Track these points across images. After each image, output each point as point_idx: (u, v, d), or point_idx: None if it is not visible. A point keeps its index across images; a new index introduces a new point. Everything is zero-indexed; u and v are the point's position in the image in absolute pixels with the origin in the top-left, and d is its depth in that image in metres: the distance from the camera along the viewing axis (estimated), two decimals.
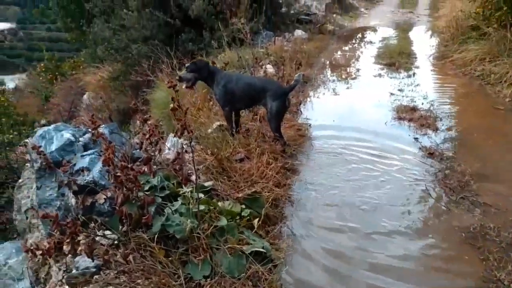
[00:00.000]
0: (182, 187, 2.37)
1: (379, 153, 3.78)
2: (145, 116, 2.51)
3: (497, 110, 4.89)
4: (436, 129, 4.24)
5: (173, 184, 2.43)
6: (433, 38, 9.58)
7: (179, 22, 8.09)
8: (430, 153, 3.68)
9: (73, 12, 14.66)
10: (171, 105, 2.06)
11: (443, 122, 4.43)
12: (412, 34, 10.55)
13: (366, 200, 3.05)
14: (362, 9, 15.35)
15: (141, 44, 8.34)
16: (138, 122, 2.54)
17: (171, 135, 3.43)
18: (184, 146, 2.40)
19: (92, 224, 2.14)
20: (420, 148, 3.81)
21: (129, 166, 2.02)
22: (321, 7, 12.25)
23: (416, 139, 4.04)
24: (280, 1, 9.81)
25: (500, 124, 4.52)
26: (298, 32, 9.20)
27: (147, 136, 2.29)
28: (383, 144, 3.96)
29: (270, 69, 5.98)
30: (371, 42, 9.43)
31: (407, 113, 4.70)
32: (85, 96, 11.55)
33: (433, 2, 16.92)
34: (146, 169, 2.14)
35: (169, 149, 3.19)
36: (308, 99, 5.32)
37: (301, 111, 4.80)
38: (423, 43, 9.23)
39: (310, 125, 4.35)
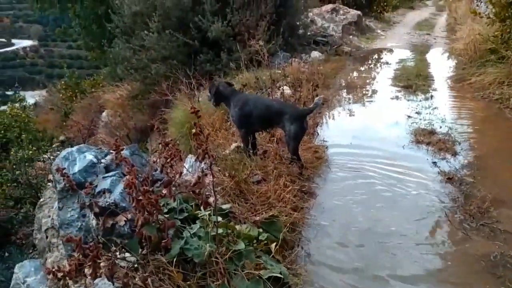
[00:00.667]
0: (200, 210, 2.39)
1: (397, 177, 3.76)
2: (167, 140, 2.52)
3: None
4: (455, 154, 4.20)
5: (192, 206, 2.45)
6: (450, 61, 9.55)
7: (198, 43, 8.24)
8: (449, 178, 3.64)
9: (94, 32, 15.11)
10: (193, 130, 2.09)
11: (462, 146, 4.39)
12: (429, 56, 10.53)
13: (383, 225, 3.03)
14: (379, 31, 15.41)
15: (160, 64, 8.51)
16: (159, 145, 2.56)
17: (190, 156, 3.47)
18: (204, 169, 2.42)
19: (113, 247, 2.15)
20: (439, 173, 3.78)
21: (151, 189, 2.04)
22: (337, 29, 12.35)
23: (434, 163, 4.00)
24: (298, 23, 9.92)
25: None
26: (315, 54, 9.28)
27: (168, 159, 2.33)
28: (401, 168, 3.94)
29: (287, 90, 6.03)
30: (387, 64, 9.45)
31: (425, 137, 4.67)
32: (104, 114, 11.78)
33: (450, 25, 16.94)
34: (166, 192, 2.17)
35: (187, 170, 3.22)
36: (325, 120, 5.34)
37: (318, 133, 4.82)
38: (441, 65, 9.21)
39: (327, 147, 4.35)
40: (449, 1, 34.36)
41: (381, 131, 4.97)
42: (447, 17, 21.48)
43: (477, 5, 15.70)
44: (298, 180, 3.40)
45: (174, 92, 7.25)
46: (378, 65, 9.56)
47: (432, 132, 4.80)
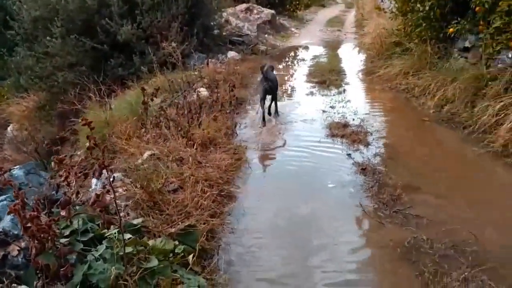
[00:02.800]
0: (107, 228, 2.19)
1: (315, 173, 3.81)
2: (61, 156, 2.28)
3: (423, 121, 5.13)
4: (367, 144, 4.36)
5: (98, 225, 2.24)
6: (360, 55, 10.02)
7: (107, 47, 7.82)
8: (363, 169, 3.76)
9: None
10: (87, 144, 1.89)
11: (374, 137, 4.57)
12: (341, 52, 10.98)
13: (301, 216, 3.04)
14: (293, 29, 15.80)
15: (67, 71, 7.95)
16: (52, 162, 2.31)
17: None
18: (105, 185, 2.23)
19: (6, 281, 1.89)
20: (353, 164, 3.88)
21: (41, 214, 1.82)
22: (253, 28, 12.44)
23: (349, 155, 4.11)
24: (212, 24, 9.81)
25: (425, 136, 4.75)
26: (231, 53, 9.24)
27: (63, 177, 2.10)
28: (319, 163, 4.00)
29: (203, 92, 5.91)
30: (302, 61, 9.69)
31: (339, 130, 4.80)
32: (9, 129, 10.78)
33: (358, 21, 17.84)
34: (64, 213, 1.95)
35: (95, 185, 2.98)
36: (243, 120, 5.29)
37: (236, 133, 4.74)
38: (352, 60, 9.63)
39: (246, 147, 4.30)
40: None
41: (298, 128, 5.03)
42: (356, 14, 22.66)
43: (382, 1, 16.73)
44: (217, 184, 3.29)
45: (84, 100, 6.80)
46: (294, 62, 9.76)
47: (346, 125, 4.96)
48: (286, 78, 7.97)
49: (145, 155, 3.54)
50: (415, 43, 7.38)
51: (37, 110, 9.20)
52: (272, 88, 5.28)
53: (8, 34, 9.24)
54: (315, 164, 3.98)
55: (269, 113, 5.42)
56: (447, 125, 4.93)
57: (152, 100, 4.70)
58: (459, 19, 6.02)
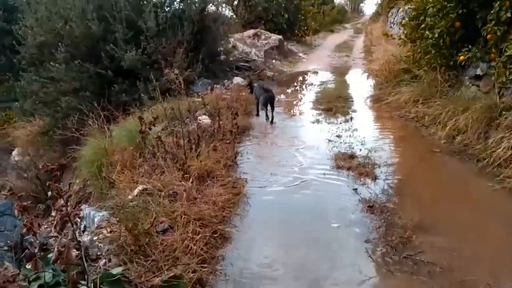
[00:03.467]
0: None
1: (319, 210, 3.56)
2: (24, 204, 2.08)
3: (434, 153, 4.88)
4: (375, 178, 4.11)
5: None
6: (368, 81, 9.84)
7: (111, 73, 7.74)
8: (370, 206, 3.50)
9: (2, 65, 13.92)
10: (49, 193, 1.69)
11: (382, 170, 4.32)
12: (348, 77, 10.84)
13: (301, 263, 2.78)
14: (301, 54, 15.77)
15: (71, 97, 7.88)
16: (16, 211, 2.11)
17: (85, 207, 3.01)
18: (68, 240, 2.01)
19: None
20: (360, 200, 3.63)
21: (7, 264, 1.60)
22: (260, 53, 12.40)
23: (355, 190, 3.86)
24: (219, 50, 9.76)
25: (437, 168, 4.50)
26: (237, 79, 9.13)
27: (28, 226, 1.89)
28: (322, 198, 3.77)
29: (205, 119, 5.74)
30: (309, 87, 9.55)
31: (345, 161, 4.57)
32: (14, 153, 10.72)
33: (367, 47, 17.79)
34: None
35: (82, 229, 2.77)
36: (246, 150, 5.07)
37: (237, 164, 4.53)
38: (360, 86, 9.45)
39: (246, 180, 4.07)
40: (365, 24, 36.59)
41: (302, 158, 4.79)
42: (364, 39, 22.66)
43: (390, 27, 16.69)
44: (211, 223, 3.05)
45: (86, 126, 6.68)
46: (300, 88, 9.62)
47: (352, 156, 4.72)
48: (292, 104, 7.79)
49: (136, 190, 3.33)
50: (424, 70, 7.20)
51: (41, 135, 9.13)
52: (272, 98, 6.44)
53: (14, 58, 9.27)
54: (318, 200, 3.74)
55: (271, 122, 6.33)
56: (460, 157, 4.67)
57: (150, 129, 4.52)
58: (470, 46, 5.82)
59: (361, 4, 58.19)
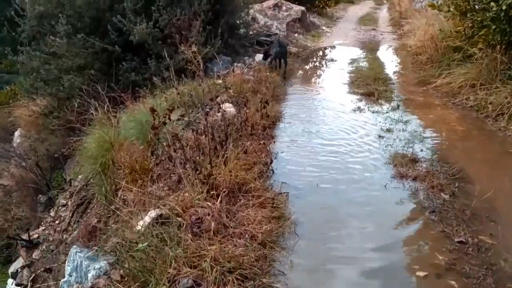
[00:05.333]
0: None
1: (391, 246, 2.64)
2: None
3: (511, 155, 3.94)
4: (452, 194, 3.19)
5: None
6: (406, 59, 8.76)
7: (119, 49, 6.80)
8: (461, 242, 2.60)
9: (5, 38, 13.02)
10: None
11: (457, 181, 3.38)
12: (381, 55, 9.75)
13: None
14: (324, 28, 14.57)
15: (74, 75, 6.99)
16: None
17: (74, 248, 2.16)
18: None
19: None
20: (443, 232, 2.72)
21: None
22: (281, 27, 11.29)
23: (433, 212, 2.95)
24: (238, 22, 8.71)
25: None
26: (259, 57, 8.11)
27: None
28: (392, 227, 2.85)
29: (229, 108, 4.82)
30: (340, 65, 8.50)
31: (407, 167, 3.64)
32: (16, 133, 9.95)
33: (394, 19, 16.49)
34: None
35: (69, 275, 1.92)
36: (280, 150, 4.14)
37: (273, 171, 3.63)
38: (397, 65, 8.45)
39: (287, 195, 3.18)
40: None
41: (352, 163, 3.87)
42: (389, 11, 21.25)
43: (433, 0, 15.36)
44: (251, 273, 2.18)
45: (90, 109, 5.84)
46: (330, 67, 8.56)
47: (415, 160, 3.79)
48: (325, 87, 6.80)
49: (148, 217, 2.46)
50: (479, 48, 6.13)
51: (44, 116, 8.29)
52: (284, 54, 7.32)
53: (15, 31, 8.35)
54: (387, 233, 2.80)
55: (284, 77, 7.05)
56: None
57: (165, 123, 3.64)
58: None
59: None
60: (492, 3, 5.47)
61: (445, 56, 7.08)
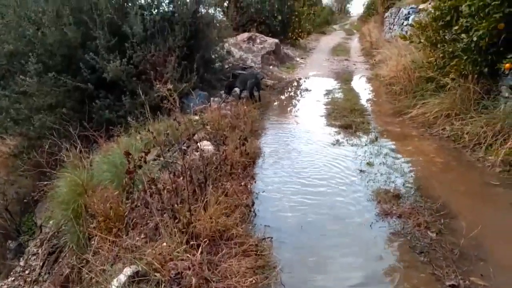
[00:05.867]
0: None
1: None
2: None
3: (494, 187, 3.93)
4: (439, 231, 3.12)
5: None
6: (379, 89, 8.90)
7: (92, 86, 6.64)
8: (453, 285, 2.50)
9: None
10: None
11: (442, 218, 3.33)
12: (355, 85, 9.88)
13: None
14: (298, 59, 14.80)
15: (45, 114, 6.77)
16: None
17: None
18: None
19: None
20: (433, 274, 2.63)
21: None
22: (257, 59, 11.39)
23: (421, 253, 2.87)
24: (213, 56, 8.71)
25: (510, 213, 3.52)
26: (236, 90, 8.09)
27: None
28: (377, 272, 2.74)
29: (207, 146, 4.70)
30: (316, 96, 8.54)
31: (391, 204, 3.59)
32: None
33: (366, 49, 16.92)
34: None
35: None
36: (262, 191, 4.02)
37: (255, 213, 3.50)
38: (371, 96, 8.53)
39: (271, 240, 3.04)
40: (356, 25, 35.97)
41: (334, 201, 3.78)
42: (360, 41, 21.85)
43: (390, 28, 15.83)
44: None
45: (63, 150, 5.64)
46: (306, 99, 8.57)
47: (398, 196, 3.74)
48: (302, 119, 6.78)
49: (123, 276, 2.28)
50: (451, 78, 6.25)
51: (14, 157, 7.97)
52: (258, 83, 7.90)
53: None
54: (376, 278, 2.68)
55: (258, 100, 7.74)
56: None
57: (140, 166, 3.49)
58: None
59: (347, 5, 57.84)
60: (463, 35, 5.60)
61: (418, 86, 7.21)
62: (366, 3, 33.15)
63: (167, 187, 3.43)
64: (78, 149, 5.36)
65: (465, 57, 5.74)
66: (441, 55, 6.56)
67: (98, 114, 6.73)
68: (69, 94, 6.83)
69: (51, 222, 5.08)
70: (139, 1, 7.37)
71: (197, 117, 5.88)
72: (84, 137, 6.07)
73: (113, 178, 4.22)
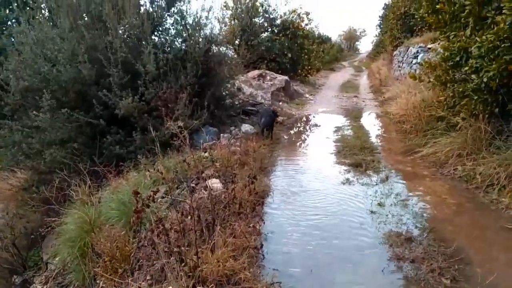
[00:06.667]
0: None
1: None
2: None
3: (508, 231, 3.82)
4: (453, 279, 3.02)
5: None
6: (389, 127, 8.89)
7: (104, 122, 6.73)
8: None
9: None
10: None
11: (456, 263, 3.23)
12: (365, 122, 9.89)
13: None
14: (307, 95, 14.95)
15: (57, 148, 6.83)
16: None
17: None
18: None
19: None
20: None
21: None
22: (266, 96, 11.53)
23: None
24: (224, 93, 8.83)
25: None
26: (246, 127, 8.15)
27: None
28: None
29: (216, 183, 4.68)
30: (326, 133, 8.55)
31: (403, 247, 3.49)
32: None
33: (375, 86, 17.05)
34: None
35: None
36: (271, 232, 3.95)
37: (263, 256, 3.43)
38: (381, 133, 8.51)
39: (280, 286, 2.95)
40: (365, 62, 36.46)
41: (345, 244, 3.70)
42: (368, 78, 22.05)
43: (399, 67, 15.98)
44: None
45: (73, 184, 5.69)
46: (315, 136, 8.58)
47: (410, 239, 3.65)
48: (312, 157, 6.75)
49: None
50: (462, 118, 6.23)
51: (23, 190, 8.01)
52: (269, 123, 7.90)
53: None
54: None
55: (270, 137, 7.88)
56: None
57: (148, 206, 3.47)
58: None
59: (356, 43, 58.97)
60: (473, 75, 5.60)
61: (428, 125, 7.19)
62: (374, 41, 33.78)
63: (175, 227, 3.38)
64: (87, 185, 5.40)
65: (475, 97, 5.71)
66: (451, 94, 6.55)
67: (109, 149, 6.77)
68: (81, 129, 6.91)
69: (57, 259, 5.03)
70: (153, 41, 7.55)
71: (206, 154, 5.89)
72: (94, 172, 6.11)
73: (121, 216, 4.20)
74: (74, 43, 6.83)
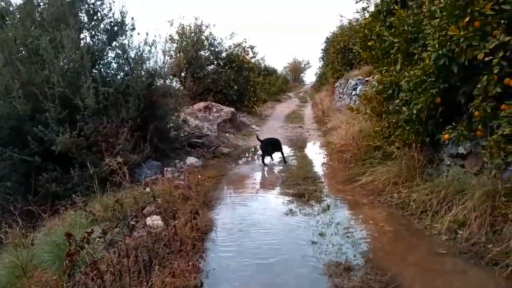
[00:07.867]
0: None
1: None
2: None
3: (442, 256, 4.00)
4: None
5: None
6: (332, 156, 9.16)
7: (39, 159, 6.43)
8: None
9: None
10: None
11: None
12: (308, 152, 10.17)
13: None
14: (254, 126, 15.16)
15: None
16: None
17: None
18: None
19: None
20: None
21: None
22: (213, 128, 11.56)
23: None
24: (168, 126, 8.75)
25: (459, 284, 3.56)
26: (191, 160, 8.09)
27: None
28: None
29: (157, 221, 4.58)
30: (270, 165, 8.67)
31: (342, 277, 3.56)
32: None
33: (318, 117, 17.61)
34: None
35: None
36: (212, 268, 3.89)
37: None
38: (324, 163, 8.75)
39: None
40: (310, 93, 37.68)
41: (287, 277, 3.71)
42: (312, 109, 22.78)
43: (340, 98, 16.66)
44: None
45: (4, 226, 5.34)
46: (260, 166, 8.66)
47: (349, 268, 3.73)
48: (256, 188, 6.81)
49: None
50: (397, 147, 6.56)
51: None
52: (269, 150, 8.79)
53: None
54: None
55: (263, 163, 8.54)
56: (474, 261, 3.81)
57: (82, 248, 3.32)
58: (453, 123, 5.25)
59: (302, 74, 60.97)
60: (404, 107, 5.95)
61: (367, 154, 7.49)
62: (318, 73, 35.16)
63: (110, 269, 3.25)
64: (20, 226, 5.08)
65: (408, 128, 6.02)
66: (386, 125, 6.88)
67: (45, 187, 6.45)
68: (15, 167, 6.56)
69: None
70: (94, 74, 7.40)
71: (147, 189, 5.75)
72: (29, 212, 5.78)
73: (54, 259, 3.97)
74: (8, 78, 6.55)
